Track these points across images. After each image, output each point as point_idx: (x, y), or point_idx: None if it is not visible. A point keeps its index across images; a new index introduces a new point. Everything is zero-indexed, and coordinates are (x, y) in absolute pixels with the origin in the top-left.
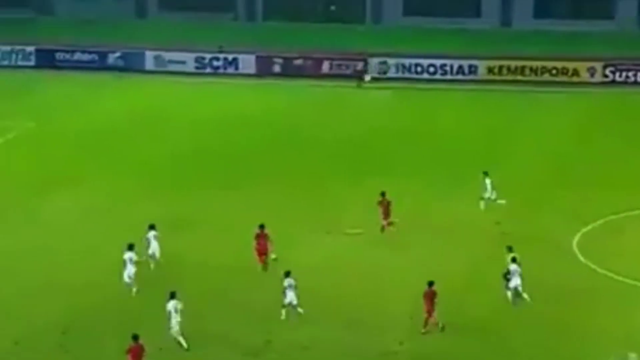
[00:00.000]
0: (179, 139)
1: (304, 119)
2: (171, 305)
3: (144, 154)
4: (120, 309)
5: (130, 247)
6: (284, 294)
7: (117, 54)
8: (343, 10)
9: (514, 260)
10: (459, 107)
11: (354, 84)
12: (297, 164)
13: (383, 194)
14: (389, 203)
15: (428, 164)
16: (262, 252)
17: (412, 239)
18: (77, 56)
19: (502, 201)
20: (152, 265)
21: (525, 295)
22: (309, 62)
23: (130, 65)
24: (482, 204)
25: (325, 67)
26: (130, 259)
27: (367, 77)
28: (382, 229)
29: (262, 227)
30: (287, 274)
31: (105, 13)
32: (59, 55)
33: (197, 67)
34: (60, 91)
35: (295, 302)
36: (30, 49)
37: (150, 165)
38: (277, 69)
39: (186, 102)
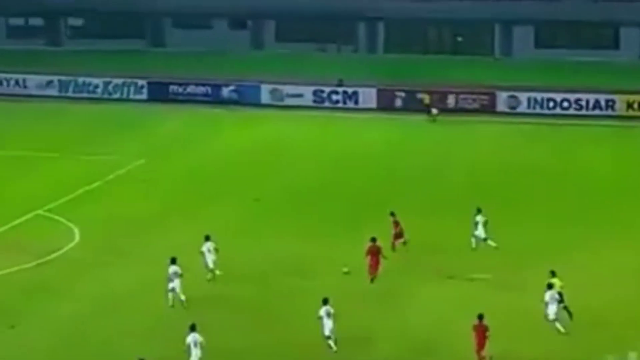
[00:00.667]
0: (296, 175)
1: (426, 154)
2: (191, 338)
3: (259, 189)
4: None
5: (173, 261)
6: (321, 323)
7: (232, 87)
8: (470, 42)
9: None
10: (597, 143)
11: (478, 117)
12: (418, 202)
13: (392, 214)
14: (397, 223)
15: (577, 207)
16: (374, 267)
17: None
18: (190, 89)
19: (493, 243)
20: (208, 277)
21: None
22: (434, 96)
23: (245, 98)
24: (472, 242)
25: (451, 100)
26: (176, 272)
27: (435, 111)
28: (393, 247)
29: (374, 240)
30: (325, 302)
31: (219, 44)
32: (172, 89)
33: (315, 101)
34: (172, 125)
35: (330, 333)
36: (142, 82)
37: (266, 202)
38: (398, 103)
39: (303, 137)
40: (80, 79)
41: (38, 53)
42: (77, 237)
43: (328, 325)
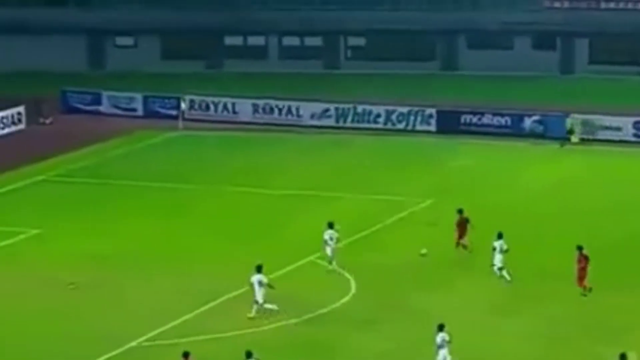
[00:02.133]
0: (609, 223)
1: None
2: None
3: (565, 238)
4: None
5: (259, 269)
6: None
7: (535, 117)
8: None
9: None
10: None
11: None
12: None
13: (460, 211)
14: (466, 221)
15: None
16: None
17: None
18: (486, 119)
19: (508, 277)
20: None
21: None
22: None
23: (551, 130)
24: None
25: None
26: (259, 282)
27: (575, 138)
28: (457, 244)
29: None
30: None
31: (520, 67)
32: (464, 118)
33: (636, 135)
34: (464, 161)
35: None
36: (431, 110)
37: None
38: None
39: (620, 178)
40: (360, 107)
41: (313, 77)
42: (353, 289)
43: None
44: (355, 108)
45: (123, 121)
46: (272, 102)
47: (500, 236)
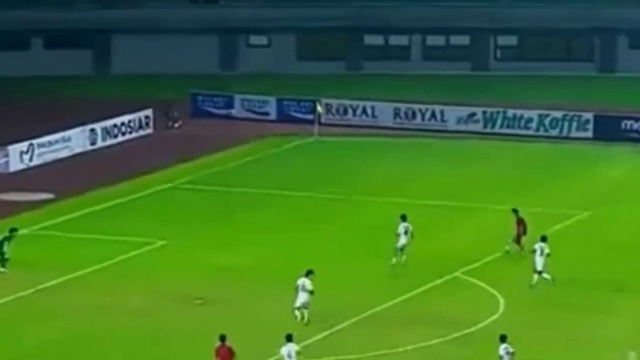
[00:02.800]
0: None
1: None
2: (285, 350)
3: None
4: None
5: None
6: None
7: None
8: None
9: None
10: None
11: None
12: None
13: (515, 211)
14: (521, 221)
15: None
16: None
17: None
18: None
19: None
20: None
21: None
22: None
23: None
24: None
25: None
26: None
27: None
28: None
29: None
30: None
31: None
32: (625, 124)
33: None
34: (624, 170)
35: None
36: (588, 115)
37: None
38: None
39: None
40: (510, 112)
41: (459, 79)
42: (501, 306)
43: None
44: (504, 112)
45: (255, 126)
46: (415, 106)
47: (544, 239)
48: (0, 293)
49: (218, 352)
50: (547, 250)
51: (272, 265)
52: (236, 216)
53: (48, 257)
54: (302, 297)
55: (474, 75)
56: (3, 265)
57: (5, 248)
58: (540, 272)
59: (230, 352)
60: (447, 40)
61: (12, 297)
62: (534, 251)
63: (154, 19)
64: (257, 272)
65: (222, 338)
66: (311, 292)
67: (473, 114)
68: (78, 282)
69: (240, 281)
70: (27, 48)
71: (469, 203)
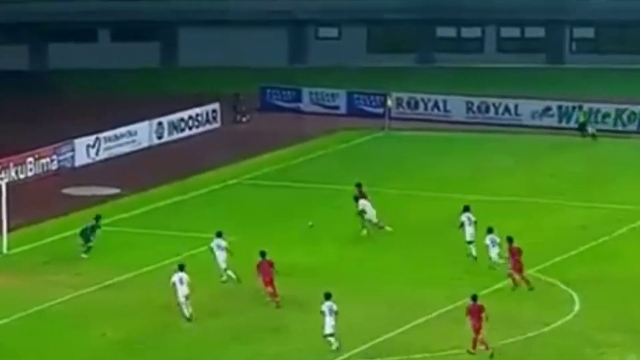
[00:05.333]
0: None
1: None
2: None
3: None
4: None
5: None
6: None
7: None
8: None
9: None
10: None
11: None
12: None
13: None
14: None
15: None
16: None
17: None
18: None
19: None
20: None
21: None
22: None
23: None
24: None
25: None
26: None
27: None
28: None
29: None
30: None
31: None
32: None
33: None
34: None
35: None
36: None
37: None
38: None
39: None
40: (586, 106)
41: (534, 72)
42: (576, 305)
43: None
44: (580, 107)
45: (324, 120)
46: (488, 100)
47: (467, 209)
48: (66, 290)
49: (259, 267)
50: (474, 219)
51: (341, 263)
52: (304, 212)
53: (114, 253)
54: (221, 257)
55: (549, 68)
56: (87, 252)
57: (92, 236)
58: (470, 242)
59: (270, 265)
60: (522, 32)
61: (77, 293)
62: (461, 224)
63: (221, 10)
64: (328, 269)
65: (263, 254)
66: (229, 251)
67: (548, 108)
68: (144, 278)
69: (311, 278)
70: (94, 40)
71: (544, 199)
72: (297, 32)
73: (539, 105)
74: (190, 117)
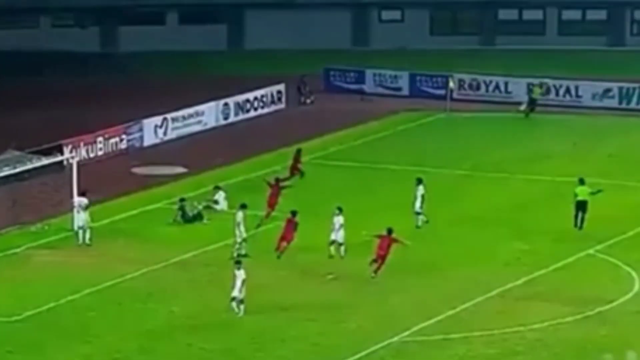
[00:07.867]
0: None
1: None
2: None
3: None
4: None
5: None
6: None
7: None
8: None
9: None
10: None
11: None
12: None
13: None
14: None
15: None
16: None
17: None
18: None
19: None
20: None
21: None
22: None
23: None
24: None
25: None
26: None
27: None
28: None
29: None
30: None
31: None
32: None
33: None
34: None
35: None
36: None
37: None
38: None
39: None
40: None
41: (595, 54)
42: (636, 285)
43: None
44: None
45: (387, 101)
46: (549, 82)
47: (420, 181)
48: (135, 266)
49: (288, 223)
50: (422, 192)
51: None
52: (366, 193)
53: (180, 231)
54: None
55: (610, 51)
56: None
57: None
58: (418, 213)
59: (295, 226)
60: (584, 15)
61: (143, 270)
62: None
63: None
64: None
65: (294, 213)
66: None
67: (608, 90)
68: (208, 255)
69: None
70: (162, 23)
71: (605, 180)
72: (361, 15)
73: (599, 87)
74: (255, 98)
